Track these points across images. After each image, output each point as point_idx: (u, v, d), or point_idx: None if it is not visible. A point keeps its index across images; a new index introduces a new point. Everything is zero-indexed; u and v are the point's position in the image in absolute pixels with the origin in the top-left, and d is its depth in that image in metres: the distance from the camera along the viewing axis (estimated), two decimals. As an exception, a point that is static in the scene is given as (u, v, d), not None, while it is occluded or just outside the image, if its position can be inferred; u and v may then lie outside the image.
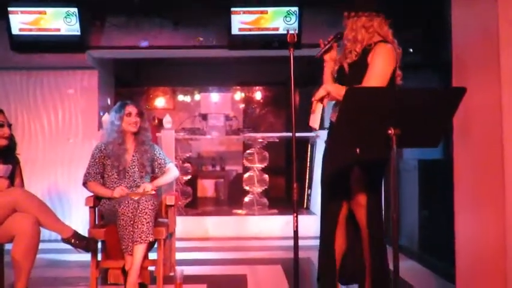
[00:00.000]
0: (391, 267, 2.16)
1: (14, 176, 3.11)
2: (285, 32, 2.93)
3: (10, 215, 2.82)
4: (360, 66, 2.54)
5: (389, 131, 1.95)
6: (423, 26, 4.84)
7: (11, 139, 3.07)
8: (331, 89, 2.54)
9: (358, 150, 2.47)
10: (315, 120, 2.57)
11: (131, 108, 3.52)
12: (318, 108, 2.56)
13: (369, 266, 2.63)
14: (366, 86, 2.44)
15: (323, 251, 2.74)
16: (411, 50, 4.38)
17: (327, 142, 2.83)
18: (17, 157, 3.15)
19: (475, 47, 2.85)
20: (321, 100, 2.55)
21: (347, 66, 2.61)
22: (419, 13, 4.69)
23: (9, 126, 3.06)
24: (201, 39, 5.21)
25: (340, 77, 2.65)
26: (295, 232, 2.45)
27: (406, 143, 2.08)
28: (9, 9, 4.98)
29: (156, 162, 3.59)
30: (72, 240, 2.94)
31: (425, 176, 4.53)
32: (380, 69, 2.49)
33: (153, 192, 3.39)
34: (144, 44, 5.21)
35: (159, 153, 3.61)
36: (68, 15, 5.01)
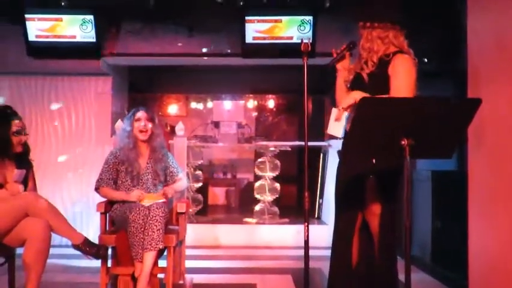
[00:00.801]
0: (400, 277, 2.14)
1: (27, 181, 3.14)
2: (299, 41, 2.94)
3: (22, 219, 2.84)
4: (381, 77, 2.55)
5: (403, 142, 1.94)
6: (438, 34, 4.82)
7: (25, 144, 3.11)
8: (358, 97, 2.53)
9: (374, 160, 2.45)
10: (338, 129, 2.57)
11: (141, 114, 3.55)
12: (343, 117, 2.56)
13: (380, 276, 2.60)
14: (379, 96, 2.44)
15: (338, 261, 2.72)
16: (426, 60, 4.36)
17: (340, 152, 2.82)
18: (31, 162, 3.18)
19: (490, 56, 2.84)
20: (347, 108, 2.55)
21: (366, 76, 2.60)
22: (435, 22, 4.68)
23: (26, 134, 3.11)
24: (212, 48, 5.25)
25: (358, 86, 2.63)
26: (306, 242, 2.43)
27: (419, 154, 2.06)
28: (26, 16, 5.06)
29: (168, 170, 3.60)
30: (83, 247, 2.96)
31: (438, 186, 4.50)
32: (407, 81, 2.50)
33: (164, 199, 3.40)
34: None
35: (172, 162, 3.63)
36: (84, 22, 5.07)
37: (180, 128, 4.33)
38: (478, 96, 1.99)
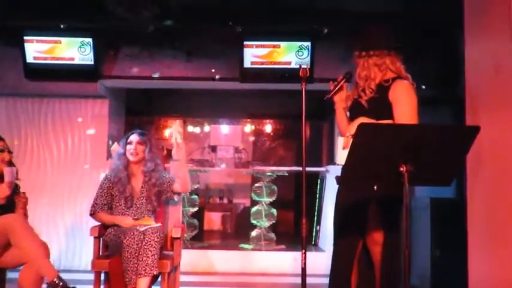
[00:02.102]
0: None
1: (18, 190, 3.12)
2: (297, 66, 2.97)
3: (3, 242, 2.83)
4: (381, 102, 2.57)
5: (401, 168, 1.94)
6: (436, 61, 4.88)
7: (9, 162, 3.09)
8: None
9: (375, 187, 2.45)
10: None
11: (133, 137, 3.57)
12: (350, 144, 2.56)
13: None
14: (378, 122, 2.45)
15: None
16: (424, 87, 4.40)
17: (338, 178, 2.81)
18: (18, 185, 3.15)
19: (488, 84, 2.87)
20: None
21: (365, 102, 2.61)
22: (433, 49, 4.75)
23: (10, 153, 3.10)
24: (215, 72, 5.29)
25: (356, 113, 2.65)
26: (304, 269, 2.41)
27: (418, 181, 2.06)
28: (25, 38, 5.11)
29: (165, 184, 3.58)
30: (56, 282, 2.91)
31: (437, 214, 4.48)
32: (410, 107, 2.52)
33: (159, 224, 3.38)
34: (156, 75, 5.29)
35: (167, 176, 3.62)
36: (83, 45, 5.12)
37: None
38: (476, 124, 2.01)
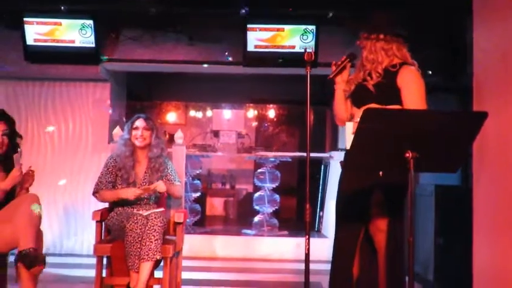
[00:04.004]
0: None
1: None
2: (302, 50, 2.95)
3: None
4: (389, 87, 2.56)
5: (407, 154, 1.94)
6: (443, 48, 4.84)
7: (9, 146, 3.07)
8: None
9: (380, 173, 2.45)
10: None
11: (139, 123, 3.56)
12: None
13: None
14: (384, 108, 2.45)
15: (339, 276, 2.70)
16: (430, 72, 4.38)
17: (342, 163, 2.81)
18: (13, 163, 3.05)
19: (496, 72, 2.85)
20: None
21: (372, 87, 2.60)
22: (440, 35, 4.71)
23: (7, 135, 3.06)
24: (227, 54, 5.27)
25: (362, 97, 2.64)
26: (307, 255, 2.42)
27: (424, 167, 2.06)
28: (25, 19, 5.08)
29: (165, 178, 3.59)
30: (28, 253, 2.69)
31: (442, 202, 4.48)
32: (419, 93, 2.52)
33: (161, 209, 3.39)
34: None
35: (171, 170, 3.62)
36: (84, 27, 5.09)
37: (178, 137, 4.32)
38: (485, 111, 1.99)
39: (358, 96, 2.68)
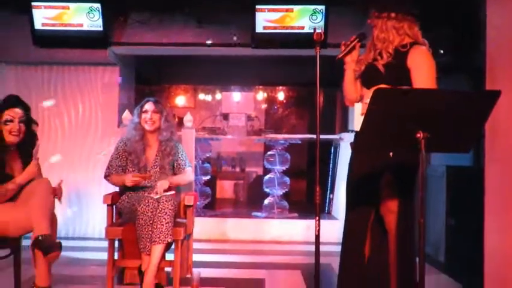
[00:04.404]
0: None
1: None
2: (311, 31, 2.91)
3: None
4: (399, 67, 2.52)
5: (418, 134, 1.91)
6: (455, 25, 4.76)
7: (27, 133, 3.08)
8: None
9: (391, 153, 2.43)
10: None
11: (149, 106, 3.56)
12: None
13: (394, 274, 2.58)
14: (394, 87, 2.42)
15: (349, 258, 2.70)
16: (442, 51, 4.31)
17: (353, 144, 2.80)
18: (31, 151, 3.04)
19: (510, 48, 2.80)
20: None
21: (382, 67, 2.57)
22: (452, 14, 4.62)
23: (24, 122, 3.06)
24: (235, 38, 5.22)
25: (372, 77, 2.61)
26: (317, 237, 2.42)
27: (435, 147, 2.04)
28: (33, 3, 5.08)
29: (176, 163, 3.60)
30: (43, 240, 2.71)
31: (453, 183, 4.46)
32: (430, 73, 2.48)
33: (172, 192, 3.40)
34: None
35: (181, 155, 3.63)
36: (91, 10, 5.08)
37: (188, 120, 4.32)
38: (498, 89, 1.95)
39: (367, 76, 2.65)
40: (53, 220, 2.88)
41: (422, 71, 2.49)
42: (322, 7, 4.96)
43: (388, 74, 2.54)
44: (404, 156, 2.39)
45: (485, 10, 3.06)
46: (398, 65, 2.52)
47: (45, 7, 5.11)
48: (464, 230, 4.17)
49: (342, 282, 2.74)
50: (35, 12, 5.11)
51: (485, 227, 2.93)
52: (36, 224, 2.73)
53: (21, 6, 5.13)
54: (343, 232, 2.75)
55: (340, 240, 2.76)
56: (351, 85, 2.74)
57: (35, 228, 2.73)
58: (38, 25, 5.13)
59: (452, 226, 4.42)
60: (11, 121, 3.00)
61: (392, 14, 2.56)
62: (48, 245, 2.70)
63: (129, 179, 3.36)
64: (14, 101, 3.08)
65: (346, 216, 2.75)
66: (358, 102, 2.65)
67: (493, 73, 2.95)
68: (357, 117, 2.57)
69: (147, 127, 3.54)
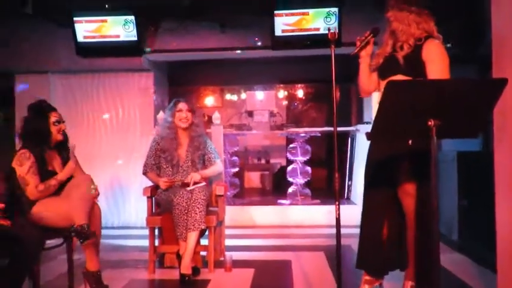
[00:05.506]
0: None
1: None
2: (326, 31, 2.87)
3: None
4: (416, 60, 2.46)
5: (430, 122, 1.87)
6: (462, 19, 4.63)
7: (64, 132, 3.12)
8: None
9: (410, 141, 2.38)
10: None
11: (182, 105, 3.57)
12: None
13: (413, 255, 2.53)
14: (405, 79, 2.36)
15: (368, 239, 2.66)
16: (449, 45, 4.20)
17: (368, 134, 2.74)
18: (69, 147, 3.09)
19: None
20: None
21: (402, 58, 2.51)
22: (458, 6, 4.49)
23: (63, 122, 3.10)
24: (257, 39, 5.22)
25: (390, 69, 2.55)
26: (338, 219, 2.39)
27: (446, 134, 1.98)
28: (75, 19, 5.17)
29: (206, 156, 3.61)
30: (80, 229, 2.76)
31: (464, 167, 4.36)
32: (444, 67, 2.43)
33: (203, 183, 3.41)
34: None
35: (210, 148, 3.64)
36: (126, 22, 5.13)
37: (216, 118, 4.33)
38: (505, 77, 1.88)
39: (385, 67, 2.59)
40: (94, 211, 2.92)
41: (436, 63, 2.42)
42: (335, 9, 4.90)
43: (406, 66, 2.48)
44: (419, 143, 2.34)
45: (490, 3, 2.96)
46: (415, 57, 2.46)
47: (86, 21, 5.19)
48: (476, 210, 4.07)
49: (361, 258, 2.70)
50: (77, 26, 5.19)
51: (496, 206, 2.84)
52: (75, 215, 2.77)
53: (65, 20, 5.22)
54: (362, 215, 2.71)
55: (359, 223, 2.72)
56: (366, 77, 2.69)
57: (74, 219, 2.77)
58: (80, 38, 5.22)
59: (464, 207, 4.32)
60: (59, 122, 3.05)
61: (413, 8, 2.49)
62: (84, 234, 2.73)
63: (163, 184, 3.40)
64: (50, 104, 3.12)
65: (364, 200, 2.71)
66: (377, 92, 2.59)
67: (499, 61, 2.85)
68: (375, 107, 2.52)
69: (182, 125, 3.55)
